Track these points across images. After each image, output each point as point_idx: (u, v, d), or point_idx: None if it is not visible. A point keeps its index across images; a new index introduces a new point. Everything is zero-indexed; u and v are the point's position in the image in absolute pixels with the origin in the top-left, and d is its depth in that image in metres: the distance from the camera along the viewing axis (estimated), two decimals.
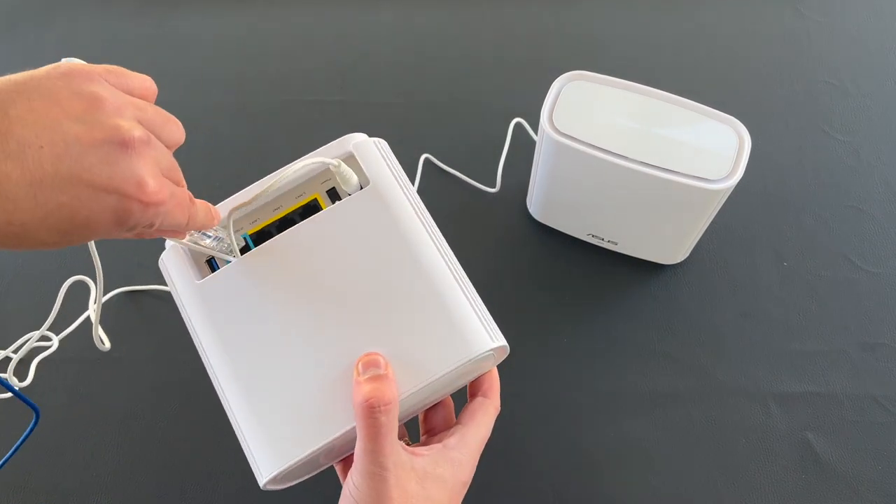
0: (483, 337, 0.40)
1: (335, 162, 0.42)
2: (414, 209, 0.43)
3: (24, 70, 0.28)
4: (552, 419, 0.59)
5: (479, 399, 0.44)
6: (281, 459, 0.38)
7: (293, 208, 0.45)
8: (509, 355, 0.63)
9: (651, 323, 0.63)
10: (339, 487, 0.53)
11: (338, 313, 0.40)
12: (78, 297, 0.62)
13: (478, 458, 0.42)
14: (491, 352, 0.41)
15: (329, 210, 0.43)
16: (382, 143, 0.46)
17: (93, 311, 0.47)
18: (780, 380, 0.60)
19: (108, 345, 0.47)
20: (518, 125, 0.71)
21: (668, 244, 0.63)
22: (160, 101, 0.33)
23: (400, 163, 0.45)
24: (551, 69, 0.60)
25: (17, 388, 0.45)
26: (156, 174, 0.30)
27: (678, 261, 0.65)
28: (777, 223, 0.68)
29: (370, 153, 0.44)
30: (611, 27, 0.81)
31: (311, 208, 0.45)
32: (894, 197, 0.69)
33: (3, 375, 0.48)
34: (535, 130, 0.70)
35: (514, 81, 0.77)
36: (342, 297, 0.41)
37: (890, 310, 0.63)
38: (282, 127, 0.74)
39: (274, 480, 0.39)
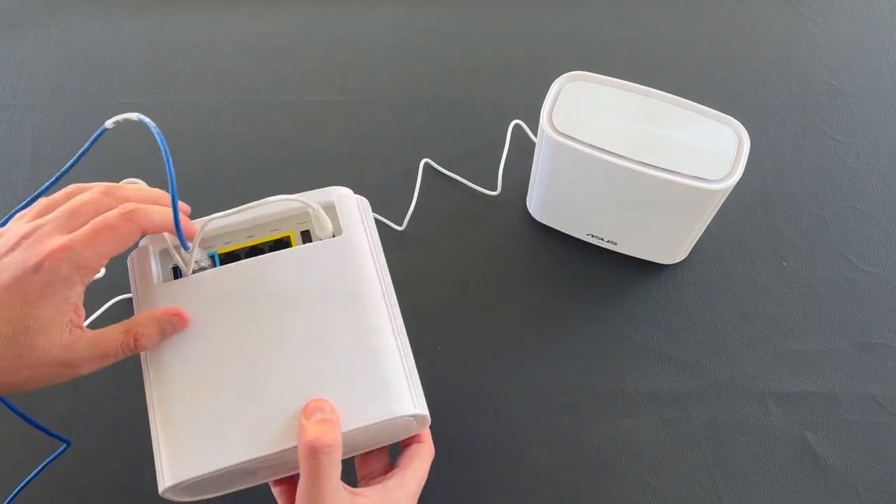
0: (406, 402, 0.41)
1: (314, 206, 0.44)
2: (376, 268, 0.45)
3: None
4: (552, 419, 0.59)
5: (415, 445, 0.45)
6: (192, 468, 0.38)
7: (266, 240, 0.46)
8: (510, 354, 0.63)
9: (650, 323, 0.63)
10: None
11: (279, 347, 0.41)
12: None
13: (416, 500, 0.43)
14: (411, 417, 0.41)
15: (297, 248, 0.45)
16: (364, 201, 0.48)
17: None
18: (779, 379, 0.60)
19: None
20: (517, 127, 0.72)
21: (668, 244, 0.63)
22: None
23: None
24: (551, 69, 0.60)
25: (43, 425, 0.45)
26: None
27: (677, 261, 0.65)
28: (776, 223, 0.68)
29: (349, 207, 0.46)
30: (610, 27, 0.81)
31: (282, 244, 0.46)
32: (893, 197, 0.69)
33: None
34: (534, 132, 0.70)
35: (514, 82, 0.77)
36: (289, 332, 0.42)
37: (888, 310, 0.63)
38: (282, 127, 0.74)
39: (175, 489, 0.39)
